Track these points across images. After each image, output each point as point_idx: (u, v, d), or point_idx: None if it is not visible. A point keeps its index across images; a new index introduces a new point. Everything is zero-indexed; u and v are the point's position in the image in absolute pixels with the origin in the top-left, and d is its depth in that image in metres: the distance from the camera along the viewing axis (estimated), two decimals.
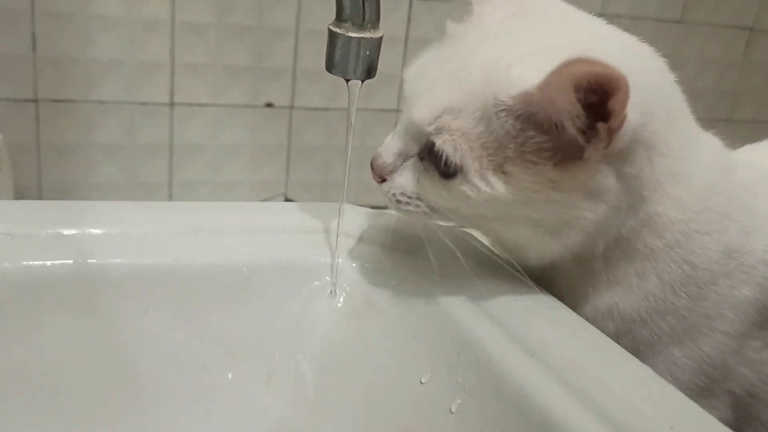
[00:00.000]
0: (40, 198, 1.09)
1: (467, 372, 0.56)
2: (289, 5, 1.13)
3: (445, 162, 0.54)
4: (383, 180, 0.59)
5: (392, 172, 0.58)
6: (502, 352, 0.55)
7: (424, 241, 0.61)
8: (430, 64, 0.57)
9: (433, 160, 0.55)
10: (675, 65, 0.61)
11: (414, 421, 0.58)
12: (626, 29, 0.60)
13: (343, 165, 0.64)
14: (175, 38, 1.09)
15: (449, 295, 0.61)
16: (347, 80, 0.61)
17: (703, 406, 0.61)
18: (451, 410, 0.56)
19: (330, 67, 0.60)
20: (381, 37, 0.60)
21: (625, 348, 0.61)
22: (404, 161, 0.58)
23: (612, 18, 0.61)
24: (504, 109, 0.52)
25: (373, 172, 0.59)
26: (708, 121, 0.63)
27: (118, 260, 0.62)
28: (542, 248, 0.59)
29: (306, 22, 1.15)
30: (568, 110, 0.51)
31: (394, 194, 0.59)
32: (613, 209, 0.56)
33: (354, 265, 0.67)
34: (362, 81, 0.61)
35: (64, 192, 1.11)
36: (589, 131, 0.52)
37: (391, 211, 0.74)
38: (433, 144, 0.54)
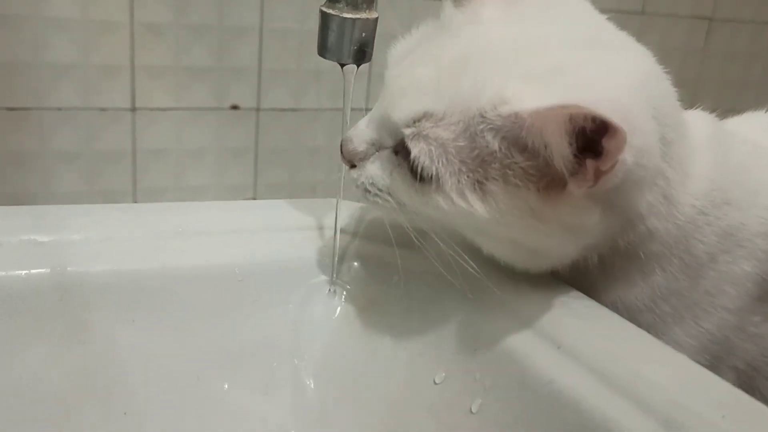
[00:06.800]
0: None
1: (485, 369, 0.53)
2: (251, 3, 1.09)
3: (421, 169, 0.50)
4: (353, 166, 0.54)
5: (363, 159, 0.54)
6: (524, 346, 0.52)
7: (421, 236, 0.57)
8: (416, 54, 0.52)
9: (407, 159, 0.51)
10: None
11: (432, 425, 0.55)
12: None
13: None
14: (134, 40, 1.04)
15: (456, 289, 0.57)
16: (342, 65, 0.57)
17: None
18: (471, 410, 0.52)
19: (323, 51, 0.56)
20: (377, 18, 0.56)
21: None
22: (377, 150, 0.54)
23: None
24: (491, 127, 0.48)
25: (342, 156, 0.55)
26: None
27: (99, 267, 0.58)
28: (526, 264, 0.56)
29: (270, 20, 1.10)
30: (558, 143, 0.47)
31: (363, 183, 0.54)
32: (598, 236, 0.54)
33: (353, 262, 0.64)
34: (357, 66, 0.57)
35: (23, 203, 1.05)
36: (576, 166, 0.48)
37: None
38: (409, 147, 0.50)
